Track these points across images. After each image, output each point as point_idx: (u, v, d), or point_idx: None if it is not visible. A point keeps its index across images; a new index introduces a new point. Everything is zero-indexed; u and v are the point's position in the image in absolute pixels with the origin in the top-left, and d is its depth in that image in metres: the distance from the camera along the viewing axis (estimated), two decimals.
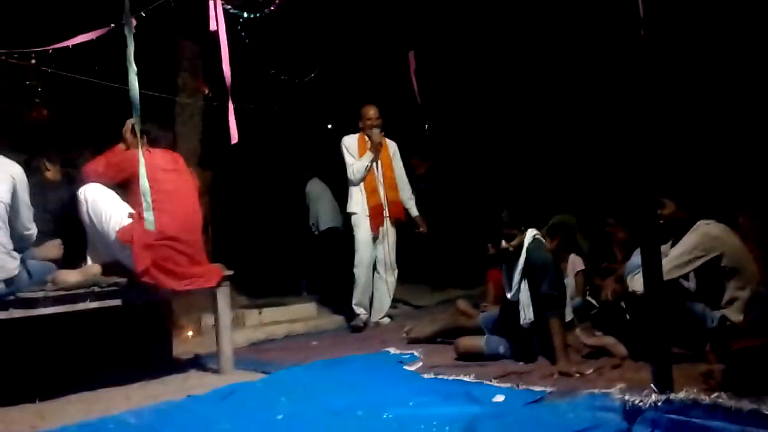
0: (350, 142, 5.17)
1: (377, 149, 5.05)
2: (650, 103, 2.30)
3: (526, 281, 3.54)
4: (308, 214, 7.42)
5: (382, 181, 5.13)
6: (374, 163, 5.11)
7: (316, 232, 7.42)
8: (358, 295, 5.11)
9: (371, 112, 5.13)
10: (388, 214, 5.12)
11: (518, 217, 3.63)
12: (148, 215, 3.26)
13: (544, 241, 3.65)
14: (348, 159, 5.13)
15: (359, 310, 5.13)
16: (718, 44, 5.26)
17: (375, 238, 5.10)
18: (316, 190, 7.49)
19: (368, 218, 5.06)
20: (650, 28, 2.38)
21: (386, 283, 5.18)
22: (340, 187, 5.82)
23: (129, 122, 3.62)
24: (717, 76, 5.35)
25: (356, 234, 5.12)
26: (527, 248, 3.54)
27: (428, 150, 7.09)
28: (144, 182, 3.23)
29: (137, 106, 3.15)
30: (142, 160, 3.25)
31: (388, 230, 5.14)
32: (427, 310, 5.95)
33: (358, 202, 5.10)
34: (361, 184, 5.10)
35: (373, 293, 5.20)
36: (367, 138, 5.12)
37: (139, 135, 3.33)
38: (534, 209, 4.37)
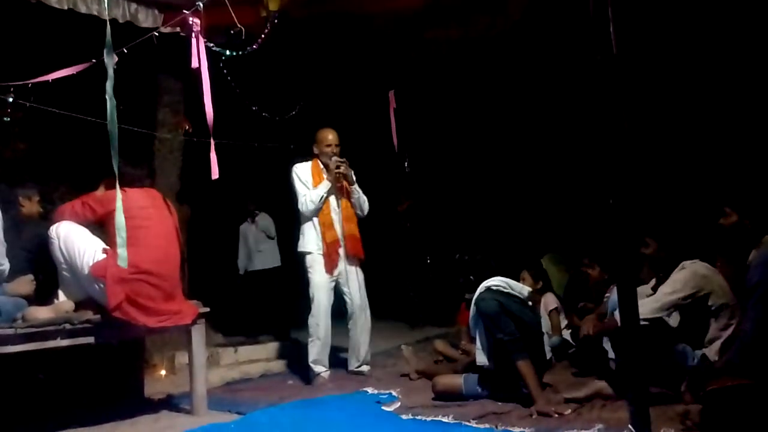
0: (302, 170, 4.61)
1: (336, 179, 4.49)
2: (626, 144, 2.34)
3: (482, 329, 3.59)
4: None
5: (339, 213, 4.54)
6: (330, 194, 4.55)
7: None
8: (316, 352, 4.42)
9: (330, 136, 4.61)
10: (344, 252, 4.52)
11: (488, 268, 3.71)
12: (122, 251, 3.21)
13: (504, 286, 3.65)
14: (300, 189, 4.55)
15: (318, 368, 4.44)
16: (694, 76, 5.41)
17: (335, 281, 4.53)
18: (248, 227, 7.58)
19: (323, 257, 4.48)
20: (625, 68, 2.44)
21: (359, 328, 4.57)
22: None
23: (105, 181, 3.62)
24: (695, 114, 5.50)
25: (311, 277, 4.49)
26: (475, 300, 3.62)
27: (409, 188, 7.14)
28: (120, 217, 3.19)
29: (115, 141, 3.09)
30: (119, 196, 3.20)
31: (349, 270, 4.54)
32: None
33: (311, 239, 4.53)
34: (315, 218, 4.52)
35: (349, 341, 4.66)
36: (322, 165, 4.61)
37: (117, 171, 3.25)
38: (518, 253, 4.45)
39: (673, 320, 3.34)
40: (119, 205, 3.21)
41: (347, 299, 4.57)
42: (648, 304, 3.14)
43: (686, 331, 3.27)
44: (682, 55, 5.41)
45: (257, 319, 7.07)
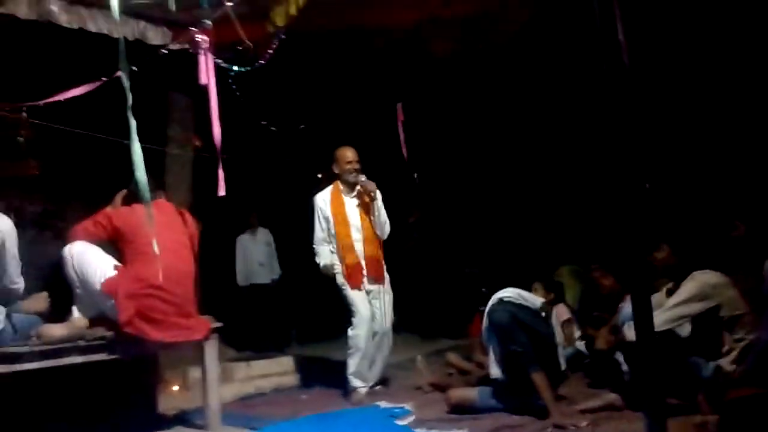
0: (322, 200, 4.58)
1: (371, 196, 4.47)
2: (637, 149, 2.33)
3: (495, 341, 3.58)
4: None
5: (361, 233, 4.50)
6: (351, 212, 4.52)
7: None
8: (356, 364, 4.32)
9: (350, 154, 4.56)
10: (367, 273, 4.46)
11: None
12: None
13: (516, 298, 3.63)
14: (317, 227, 4.54)
15: (356, 383, 4.34)
16: (707, 83, 5.39)
17: (370, 295, 4.45)
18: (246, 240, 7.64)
19: (346, 276, 4.44)
20: (635, 79, 2.43)
21: (378, 349, 4.45)
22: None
23: (120, 194, 3.69)
24: (709, 120, 5.47)
25: (347, 292, 4.43)
26: (487, 312, 3.63)
27: (418, 200, 7.14)
28: (150, 228, 3.13)
29: (140, 158, 3.00)
30: (151, 212, 3.11)
31: (377, 289, 4.46)
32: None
33: (337, 259, 4.51)
34: (335, 241, 4.50)
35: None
36: (341, 186, 4.58)
37: (142, 187, 3.15)
38: (529, 267, 4.43)
39: (684, 331, 3.31)
40: (150, 219, 3.11)
41: (375, 317, 4.43)
42: (658, 316, 3.11)
43: (698, 342, 3.24)
44: (694, 62, 5.39)
45: (265, 333, 7.09)
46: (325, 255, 4.55)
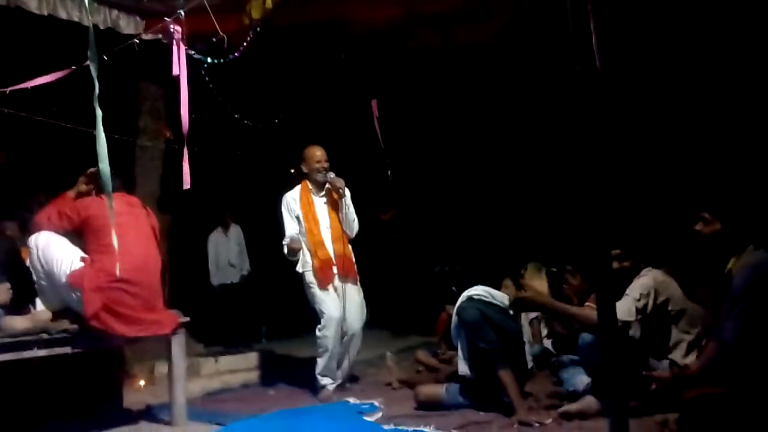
0: (291, 199, 4.53)
1: (340, 193, 4.42)
2: (606, 153, 2.36)
3: (464, 338, 3.60)
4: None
5: (329, 232, 4.46)
6: (320, 211, 4.50)
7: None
8: (324, 365, 4.30)
9: (318, 153, 4.52)
10: (337, 271, 4.40)
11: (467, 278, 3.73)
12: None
13: (486, 295, 3.66)
14: (287, 223, 4.47)
15: (324, 381, 4.32)
16: (676, 82, 5.48)
17: (339, 295, 4.38)
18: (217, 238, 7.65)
19: (316, 273, 4.37)
20: (605, 78, 2.46)
21: (348, 348, 4.41)
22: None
23: (85, 174, 3.59)
24: (677, 122, 5.57)
25: (314, 292, 4.36)
26: (457, 309, 3.64)
27: (393, 197, 7.15)
28: (111, 219, 3.05)
29: (104, 148, 2.93)
30: (110, 203, 3.05)
31: (346, 288, 4.40)
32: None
33: (308, 258, 4.43)
34: (306, 238, 4.43)
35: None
36: (310, 185, 4.54)
37: (106, 178, 3.11)
38: (499, 265, 4.46)
39: (636, 331, 3.36)
40: (111, 211, 3.07)
41: (345, 317, 4.36)
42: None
43: (649, 341, 3.29)
44: (664, 62, 5.49)
45: (235, 329, 7.06)
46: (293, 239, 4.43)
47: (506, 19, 5.52)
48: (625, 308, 3.14)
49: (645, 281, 3.25)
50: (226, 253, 7.57)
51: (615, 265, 3.38)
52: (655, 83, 5.60)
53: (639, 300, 3.20)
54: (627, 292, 3.29)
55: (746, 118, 5.01)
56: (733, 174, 4.77)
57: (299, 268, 4.46)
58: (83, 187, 3.63)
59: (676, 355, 3.18)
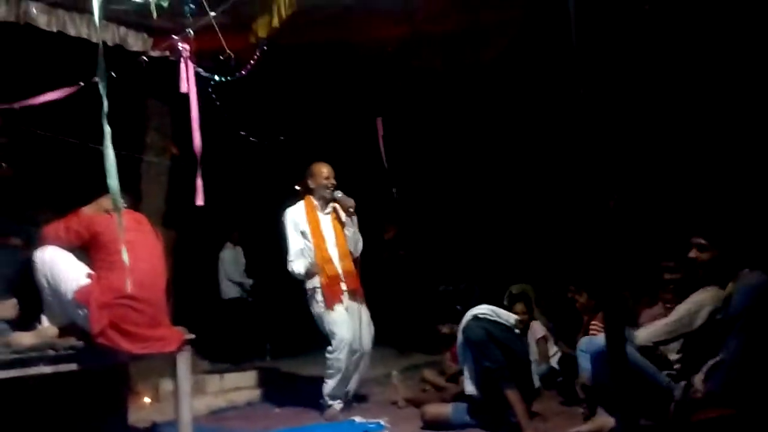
0: (296, 214, 4.48)
1: (349, 212, 4.45)
2: (606, 168, 2.36)
3: (470, 357, 3.60)
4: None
5: (336, 249, 4.45)
6: (326, 228, 4.48)
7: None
8: (333, 386, 4.24)
9: (326, 170, 4.52)
10: (345, 288, 4.39)
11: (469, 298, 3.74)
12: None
13: (491, 314, 3.65)
14: (292, 239, 4.42)
15: (332, 402, 4.28)
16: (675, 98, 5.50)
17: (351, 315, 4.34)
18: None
19: (323, 290, 4.33)
20: (605, 96, 2.47)
21: (356, 368, 4.37)
22: None
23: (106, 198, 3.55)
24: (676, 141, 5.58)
25: (324, 316, 4.31)
26: (462, 329, 3.64)
27: (396, 215, 7.15)
28: (120, 235, 3.06)
29: (112, 165, 2.92)
30: (121, 221, 3.05)
31: (354, 307, 4.37)
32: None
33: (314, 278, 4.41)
34: (313, 254, 4.40)
35: None
36: (315, 201, 4.53)
37: (115, 194, 3.09)
38: (503, 283, 4.44)
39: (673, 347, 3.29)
40: (121, 228, 3.06)
41: (356, 337, 4.32)
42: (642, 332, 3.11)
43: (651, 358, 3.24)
44: (664, 77, 5.51)
45: (240, 346, 7.04)
46: (304, 263, 4.42)
47: (510, 40, 5.56)
48: (650, 331, 3.08)
49: (695, 299, 3.11)
50: (232, 271, 7.65)
51: (666, 276, 3.38)
52: (645, 108, 5.63)
53: (677, 321, 3.10)
54: (676, 308, 3.20)
55: (738, 143, 5.03)
56: (725, 199, 4.78)
57: (308, 285, 4.41)
58: (102, 208, 3.54)
59: (696, 380, 3.12)
